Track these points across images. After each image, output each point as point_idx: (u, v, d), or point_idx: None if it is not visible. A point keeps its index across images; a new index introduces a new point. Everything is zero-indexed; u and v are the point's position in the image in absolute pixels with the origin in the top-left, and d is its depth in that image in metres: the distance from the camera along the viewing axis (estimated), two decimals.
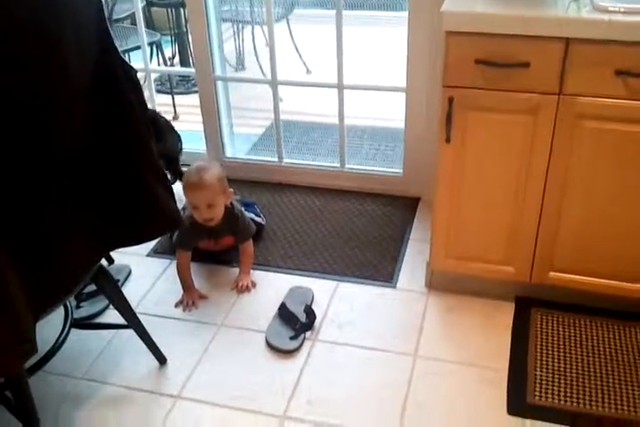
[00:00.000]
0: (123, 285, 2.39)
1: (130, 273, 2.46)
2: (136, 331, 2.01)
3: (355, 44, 3.99)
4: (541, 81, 1.82)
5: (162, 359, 2.07)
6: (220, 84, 2.81)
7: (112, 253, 2.50)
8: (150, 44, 3.53)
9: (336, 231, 2.62)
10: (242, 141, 3.22)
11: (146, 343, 2.04)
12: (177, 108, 3.71)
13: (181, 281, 2.31)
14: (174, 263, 2.41)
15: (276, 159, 2.93)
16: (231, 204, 2.36)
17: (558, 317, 2.18)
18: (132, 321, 1.98)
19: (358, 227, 2.64)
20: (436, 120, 2.39)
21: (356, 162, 2.98)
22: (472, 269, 2.18)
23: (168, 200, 1.70)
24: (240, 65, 4.11)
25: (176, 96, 3.76)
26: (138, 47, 3.53)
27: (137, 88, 1.63)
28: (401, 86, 2.60)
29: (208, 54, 2.70)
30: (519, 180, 1.97)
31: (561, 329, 2.15)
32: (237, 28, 4.06)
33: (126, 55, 3.58)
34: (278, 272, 2.42)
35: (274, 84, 2.74)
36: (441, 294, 2.29)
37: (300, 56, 4.14)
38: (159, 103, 3.72)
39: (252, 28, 4.05)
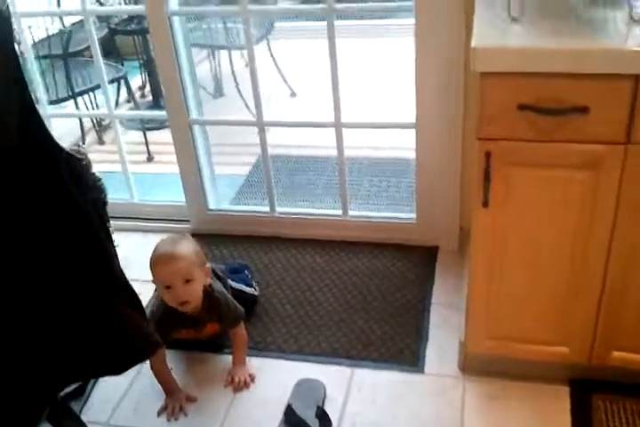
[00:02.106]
0: (91, 390, 1.96)
1: None
2: None
3: (350, 61, 3.61)
4: (604, 128, 1.42)
5: None
6: (196, 128, 2.40)
7: None
8: (115, 80, 3.11)
9: (345, 298, 2.21)
10: (225, 185, 2.82)
11: None
12: (150, 147, 3.28)
13: (161, 384, 1.89)
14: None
15: (268, 209, 2.52)
16: (210, 286, 1.95)
17: (625, 403, 1.79)
18: None
19: (370, 290, 2.23)
20: (450, 155, 2.02)
21: (359, 203, 2.59)
22: (517, 350, 1.78)
23: (139, 321, 1.29)
24: (218, 92, 3.70)
25: (149, 132, 3.31)
26: (119, 78, 3.14)
27: (77, 171, 1.23)
28: (409, 122, 2.20)
29: (180, 96, 2.28)
30: (576, 247, 1.58)
31: (630, 417, 1.76)
32: (212, 52, 3.64)
33: (91, 94, 3.16)
34: (281, 358, 2.00)
35: (260, 125, 2.33)
36: (479, 380, 1.88)
37: (283, 78, 3.73)
38: (129, 142, 3.32)
39: (230, 52, 3.63)
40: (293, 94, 3.73)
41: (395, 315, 2.12)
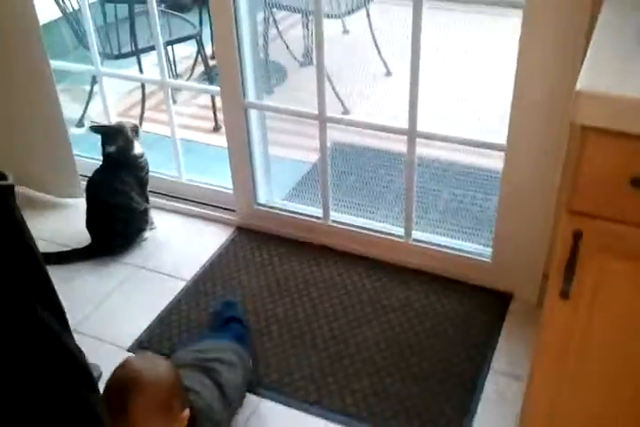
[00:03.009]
0: None
1: (99, 377, 1.79)
2: None
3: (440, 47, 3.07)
4: None
5: None
6: (253, 113, 2.05)
7: (85, 345, 1.85)
8: (187, 39, 2.76)
9: (386, 343, 1.83)
10: (285, 175, 2.47)
11: None
12: (220, 115, 2.95)
13: None
14: None
15: (321, 215, 2.15)
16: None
17: None
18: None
19: (418, 337, 1.84)
20: (543, 188, 1.57)
21: (428, 221, 2.16)
22: None
23: None
24: (306, 60, 3.29)
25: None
26: (188, 37, 2.80)
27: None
28: (498, 143, 1.75)
29: (237, 74, 1.92)
30: None
31: None
32: (305, 15, 3.19)
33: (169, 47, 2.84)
34: (293, 406, 1.67)
35: (321, 120, 1.94)
36: None
37: (379, 53, 3.25)
38: (201, 104, 3.02)
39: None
40: (389, 73, 3.26)
41: (441, 376, 1.73)
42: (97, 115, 2.97)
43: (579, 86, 0.92)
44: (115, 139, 2.11)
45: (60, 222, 2.34)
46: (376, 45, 3.23)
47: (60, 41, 2.47)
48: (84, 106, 2.96)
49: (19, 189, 2.42)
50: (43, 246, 2.19)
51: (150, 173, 2.32)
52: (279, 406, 1.69)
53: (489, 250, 1.96)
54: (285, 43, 3.36)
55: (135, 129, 2.17)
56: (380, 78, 3.25)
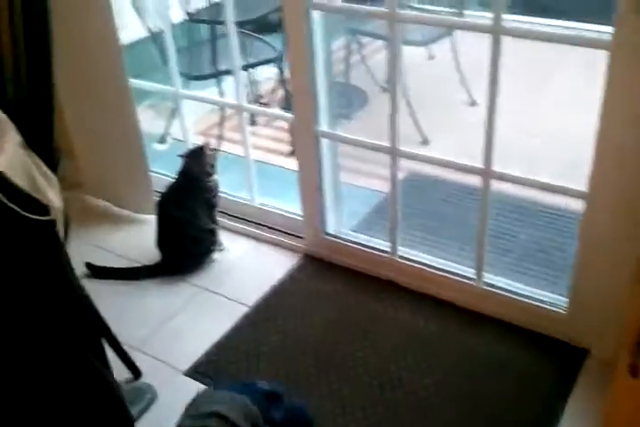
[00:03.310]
0: (141, 414, 1.75)
1: (154, 399, 1.80)
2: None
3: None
4: None
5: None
6: (324, 141, 2.02)
7: (144, 365, 1.87)
8: (267, 62, 2.78)
9: (446, 390, 1.75)
10: (353, 204, 2.41)
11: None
12: None
13: None
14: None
15: (389, 249, 2.11)
16: None
17: None
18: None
19: (482, 388, 1.75)
20: (628, 240, 1.47)
21: (501, 264, 2.07)
22: None
23: None
24: (388, 85, 3.24)
25: None
26: (267, 61, 2.82)
27: None
28: (578, 190, 1.65)
29: (310, 101, 1.90)
30: None
31: None
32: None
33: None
34: None
35: (393, 154, 1.89)
36: None
37: (463, 81, 3.16)
38: (279, 127, 3.02)
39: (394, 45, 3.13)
40: (473, 103, 3.18)
41: None
42: (179, 132, 3.05)
43: None
44: (193, 159, 2.15)
45: (134, 238, 2.39)
46: (460, 73, 3.16)
47: (150, 58, 2.53)
48: (166, 123, 3.03)
49: (99, 203, 2.57)
50: (115, 261, 2.28)
51: (224, 195, 2.35)
52: None
53: (565, 300, 1.85)
54: (368, 68, 3.34)
55: (213, 154, 2.19)
56: (463, 107, 3.17)
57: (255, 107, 2.25)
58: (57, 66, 2.24)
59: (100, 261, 2.24)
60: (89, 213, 2.53)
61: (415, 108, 3.05)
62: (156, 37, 2.66)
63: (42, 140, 1.49)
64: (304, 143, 2.03)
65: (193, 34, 2.73)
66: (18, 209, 0.82)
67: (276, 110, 2.71)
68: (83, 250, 2.31)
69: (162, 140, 3.02)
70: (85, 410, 1.05)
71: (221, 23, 2.42)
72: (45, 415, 1.00)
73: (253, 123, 3.12)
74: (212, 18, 2.75)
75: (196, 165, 2.13)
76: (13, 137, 1.31)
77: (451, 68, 3.27)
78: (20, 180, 1.25)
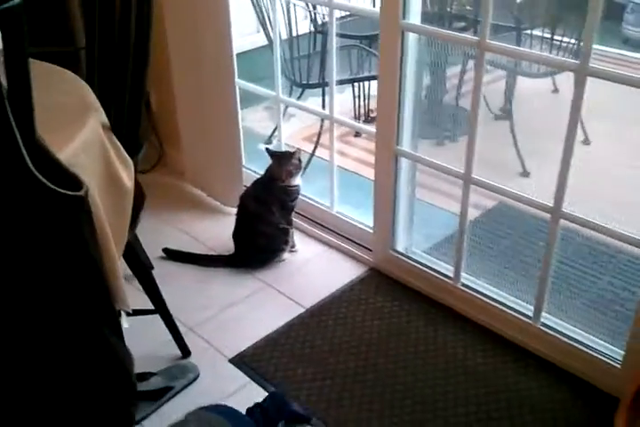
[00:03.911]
0: (179, 391, 1.86)
1: (195, 379, 1.90)
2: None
3: None
4: None
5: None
6: (404, 160, 2.05)
7: (194, 346, 1.99)
8: (371, 78, 2.81)
9: (478, 423, 1.71)
10: (433, 227, 2.43)
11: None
12: None
13: None
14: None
15: (452, 273, 2.09)
16: None
17: None
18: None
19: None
20: None
21: (562, 309, 1.99)
22: None
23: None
24: (503, 113, 3.19)
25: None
26: (372, 77, 2.88)
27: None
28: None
29: (393, 121, 1.94)
30: None
31: None
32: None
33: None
34: None
35: (466, 180, 1.88)
36: None
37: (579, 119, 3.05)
38: None
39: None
40: (586, 141, 3.04)
41: None
42: (287, 135, 3.17)
43: None
44: (278, 161, 2.25)
45: (217, 228, 2.52)
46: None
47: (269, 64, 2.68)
48: (275, 125, 3.17)
49: (195, 192, 2.74)
50: (195, 247, 2.42)
51: (306, 200, 2.45)
52: None
53: (622, 353, 1.77)
54: (483, 96, 3.32)
55: (299, 161, 2.28)
56: (576, 146, 3.07)
57: (344, 119, 2.32)
58: (174, 66, 2.47)
59: (181, 245, 2.39)
60: (184, 200, 2.70)
61: (524, 139, 3.00)
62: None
63: (129, 126, 1.65)
64: (383, 160, 2.07)
65: (316, 44, 2.84)
66: (45, 181, 0.92)
67: (364, 125, 2.76)
68: (168, 232, 2.50)
69: (268, 141, 3.16)
70: (91, 382, 1.14)
71: (343, 36, 2.52)
72: (49, 384, 1.10)
73: (357, 134, 3.20)
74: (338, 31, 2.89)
75: (279, 168, 2.23)
76: (98, 117, 1.45)
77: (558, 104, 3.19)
78: (91, 157, 1.40)
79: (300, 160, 2.28)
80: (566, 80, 3.25)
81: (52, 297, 1.02)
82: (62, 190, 0.94)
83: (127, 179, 1.53)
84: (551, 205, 1.72)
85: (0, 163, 0.90)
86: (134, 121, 1.65)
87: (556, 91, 3.51)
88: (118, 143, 1.51)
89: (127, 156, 1.53)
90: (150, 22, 1.60)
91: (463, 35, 1.87)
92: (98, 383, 1.18)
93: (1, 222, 0.94)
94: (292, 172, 2.24)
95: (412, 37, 1.82)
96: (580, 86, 1.56)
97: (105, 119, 1.49)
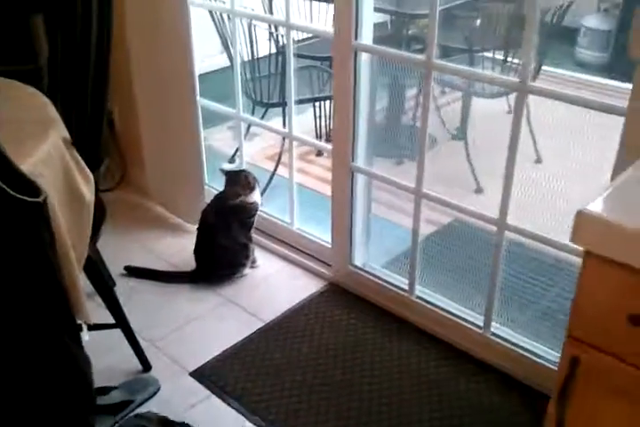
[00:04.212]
0: (140, 405, 1.87)
1: (155, 393, 1.92)
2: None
3: None
4: None
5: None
6: (360, 177, 2.12)
7: (155, 361, 2.02)
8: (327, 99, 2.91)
9: None
10: (392, 243, 2.50)
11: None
12: None
13: None
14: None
15: (407, 287, 2.16)
16: None
17: None
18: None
19: None
20: None
21: (511, 319, 2.06)
22: None
23: None
24: (459, 133, 3.31)
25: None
26: (328, 98, 2.97)
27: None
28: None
29: (348, 136, 2.02)
30: None
31: None
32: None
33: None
34: None
35: (417, 195, 1.96)
36: None
37: (532, 139, 3.18)
38: None
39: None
40: (538, 160, 3.17)
41: None
42: (251, 154, 3.23)
43: (581, 206, 0.89)
44: (232, 179, 2.31)
45: (179, 244, 2.55)
46: (530, 131, 3.18)
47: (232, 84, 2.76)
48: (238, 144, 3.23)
49: (157, 208, 2.78)
50: (158, 264, 2.45)
51: (267, 217, 2.50)
52: None
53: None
54: (440, 116, 3.42)
55: (254, 180, 2.34)
56: (528, 164, 3.18)
57: (303, 136, 2.39)
58: (137, 86, 2.52)
59: (145, 262, 2.43)
60: (147, 217, 2.74)
61: (479, 157, 3.11)
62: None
63: (90, 141, 1.69)
64: (339, 176, 2.14)
65: (278, 65, 2.92)
66: (5, 187, 0.96)
67: (321, 142, 2.84)
68: (131, 249, 2.52)
69: (231, 159, 3.22)
70: (50, 390, 1.17)
71: (304, 57, 2.60)
72: (7, 391, 1.12)
73: (320, 154, 3.28)
74: (299, 52, 2.97)
75: (233, 187, 2.29)
76: (59, 132, 1.49)
77: (524, 123, 3.31)
78: (51, 170, 1.44)
79: (251, 179, 2.32)
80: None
81: (12, 303, 1.05)
82: (21, 196, 0.99)
83: (88, 192, 1.57)
84: (496, 217, 1.80)
85: None
86: (95, 136, 1.70)
87: (510, 112, 3.64)
88: (79, 157, 1.55)
89: (88, 170, 1.58)
90: (109, 41, 1.66)
91: (411, 54, 1.95)
92: (57, 391, 1.21)
93: None
94: (238, 192, 2.29)
95: (364, 57, 1.90)
96: (520, 103, 1.65)
97: (66, 134, 1.53)
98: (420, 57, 1.77)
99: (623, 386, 0.95)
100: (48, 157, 1.39)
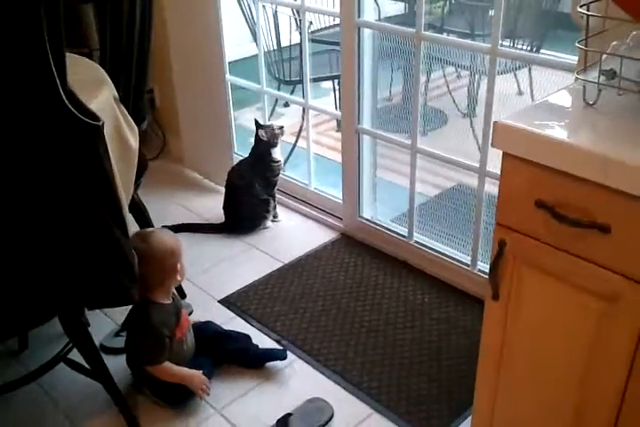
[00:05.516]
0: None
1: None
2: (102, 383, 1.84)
3: None
4: (627, 258, 1.15)
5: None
6: (366, 139, 2.46)
7: (190, 291, 2.38)
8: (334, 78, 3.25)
9: (419, 344, 2.11)
10: (398, 202, 2.81)
11: (113, 397, 1.86)
12: None
13: (175, 378, 1.91)
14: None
15: (406, 233, 2.49)
16: None
17: None
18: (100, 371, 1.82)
19: (451, 347, 2.10)
20: None
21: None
22: None
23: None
24: (469, 112, 3.61)
25: None
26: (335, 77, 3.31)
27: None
28: None
29: (354, 102, 2.36)
30: (589, 371, 1.31)
31: None
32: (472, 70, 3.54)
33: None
34: (324, 373, 2.04)
35: (413, 150, 2.29)
36: None
37: None
38: None
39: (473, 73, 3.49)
40: None
41: (457, 382, 1.98)
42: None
43: (501, 118, 1.20)
44: (263, 128, 2.65)
45: (211, 203, 2.93)
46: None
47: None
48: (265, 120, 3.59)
49: (193, 175, 3.17)
50: (191, 218, 2.83)
51: (288, 180, 2.86)
52: (308, 368, 2.06)
53: None
54: (451, 94, 3.73)
55: (280, 132, 2.67)
56: None
57: (316, 105, 2.74)
58: (176, 69, 2.90)
59: (182, 218, 2.81)
60: (183, 181, 3.13)
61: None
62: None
63: (134, 102, 2.05)
64: (347, 137, 2.48)
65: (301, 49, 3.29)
66: (75, 111, 1.32)
67: (336, 111, 3.18)
68: (170, 207, 2.91)
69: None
70: (103, 263, 1.53)
71: (324, 42, 3.00)
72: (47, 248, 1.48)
73: (339, 129, 3.62)
74: (321, 39, 3.34)
75: (262, 130, 2.63)
76: (110, 90, 1.85)
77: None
78: (104, 117, 1.79)
79: (279, 130, 2.66)
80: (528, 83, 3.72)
81: (76, 199, 1.41)
82: (86, 119, 1.34)
83: (133, 140, 1.93)
84: (477, 165, 2.12)
85: (41, 95, 1.30)
86: (138, 98, 2.06)
87: (520, 93, 3.93)
88: (126, 112, 1.91)
89: (133, 122, 1.94)
90: (150, 27, 2.03)
91: (403, 28, 2.27)
92: (108, 266, 1.56)
93: (39, 141, 1.34)
94: (274, 132, 2.64)
95: (367, 33, 2.24)
96: (492, 66, 1.96)
97: (115, 93, 1.89)
98: (411, 29, 2.10)
99: (543, 262, 1.26)
100: (103, 105, 1.75)
